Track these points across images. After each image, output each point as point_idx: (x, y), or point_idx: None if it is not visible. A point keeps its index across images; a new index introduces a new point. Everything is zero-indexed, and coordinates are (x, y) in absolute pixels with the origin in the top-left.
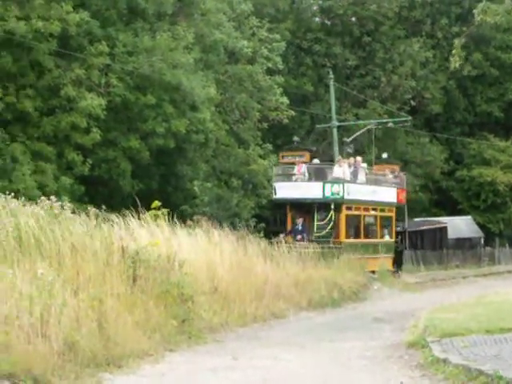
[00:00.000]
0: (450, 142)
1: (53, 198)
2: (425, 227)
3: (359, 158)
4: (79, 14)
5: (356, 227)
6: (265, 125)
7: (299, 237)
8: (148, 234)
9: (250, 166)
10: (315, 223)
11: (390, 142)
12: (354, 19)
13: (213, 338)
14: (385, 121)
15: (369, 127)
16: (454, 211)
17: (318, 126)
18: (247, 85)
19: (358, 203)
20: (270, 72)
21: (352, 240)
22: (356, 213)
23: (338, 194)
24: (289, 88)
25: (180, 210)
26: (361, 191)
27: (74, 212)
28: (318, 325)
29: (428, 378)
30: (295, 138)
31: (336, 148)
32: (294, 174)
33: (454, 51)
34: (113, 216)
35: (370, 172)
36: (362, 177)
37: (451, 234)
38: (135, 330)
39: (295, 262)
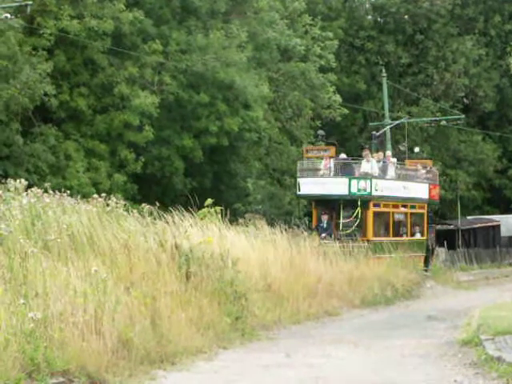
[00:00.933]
0: (503, 140)
1: (106, 195)
2: (478, 225)
3: (389, 153)
4: (133, 12)
5: (384, 225)
6: (317, 122)
7: (323, 235)
8: (201, 231)
9: None
10: (341, 221)
11: (443, 140)
12: (406, 17)
13: (266, 335)
14: (438, 119)
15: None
16: (507, 209)
17: (370, 123)
18: (300, 83)
19: (387, 200)
20: (323, 70)
21: (380, 238)
22: (384, 210)
23: (365, 191)
24: (341, 86)
25: (233, 207)
26: (390, 187)
27: (127, 210)
28: (370, 322)
29: (482, 377)
30: (319, 132)
31: (389, 145)
32: (319, 169)
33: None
34: (166, 214)
35: (401, 167)
36: (391, 172)
37: (504, 232)
38: (189, 328)
39: (348, 260)
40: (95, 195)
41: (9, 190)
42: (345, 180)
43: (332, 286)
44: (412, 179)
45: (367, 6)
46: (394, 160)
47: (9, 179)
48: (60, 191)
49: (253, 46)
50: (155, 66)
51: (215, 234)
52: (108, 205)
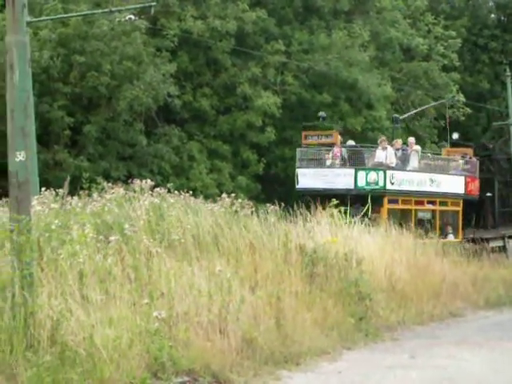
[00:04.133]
0: None
1: (230, 195)
2: None
3: (412, 140)
4: (256, 12)
5: (404, 224)
6: (441, 122)
7: None
8: (325, 231)
9: None
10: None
11: None
12: None
13: (390, 336)
14: None
15: None
16: None
17: (494, 123)
18: (423, 82)
19: (408, 195)
20: (446, 69)
21: None
22: (404, 207)
23: (377, 184)
24: (465, 85)
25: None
26: (412, 180)
27: (252, 210)
28: (495, 324)
29: None
30: (321, 114)
31: None
32: (324, 159)
33: None
34: (290, 214)
35: (432, 157)
36: (414, 162)
37: None
38: (313, 328)
39: (472, 261)
40: (222, 195)
41: (134, 191)
42: (350, 171)
43: (456, 286)
44: (443, 171)
45: (490, 4)
46: (418, 148)
47: (134, 179)
48: (184, 192)
49: (375, 46)
50: (278, 65)
51: (340, 233)
52: (233, 205)
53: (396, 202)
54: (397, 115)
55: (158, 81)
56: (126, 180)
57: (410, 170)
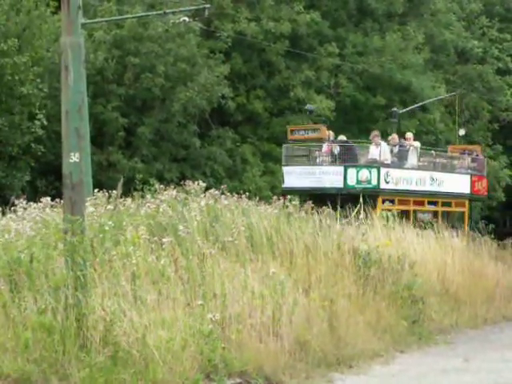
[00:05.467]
0: None
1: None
2: None
3: (409, 135)
4: (310, 14)
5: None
6: (495, 125)
7: None
8: (380, 234)
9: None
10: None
11: None
12: None
13: (443, 339)
14: None
15: None
16: None
17: None
18: (477, 85)
19: (405, 195)
20: (501, 72)
21: None
22: (401, 207)
23: (369, 183)
24: None
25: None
26: (410, 178)
27: (306, 212)
28: None
29: None
30: (308, 106)
31: None
32: (312, 156)
33: None
34: (343, 216)
35: (437, 154)
36: (412, 159)
37: None
38: (366, 331)
39: None
40: (274, 197)
41: (187, 192)
42: (339, 169)
43: (510, 290)
44: (446, 169)
45: None
46: (417, 144)
47: (187, 181)
48: (237, 194)
49: (429, 48)
50: (331, 68)
51: (393, 236)
52: (287, 207)
53: (392, 202)
54: (395, 109)
55: (212, 83)
56: (179, 182)
57: (407, 168)
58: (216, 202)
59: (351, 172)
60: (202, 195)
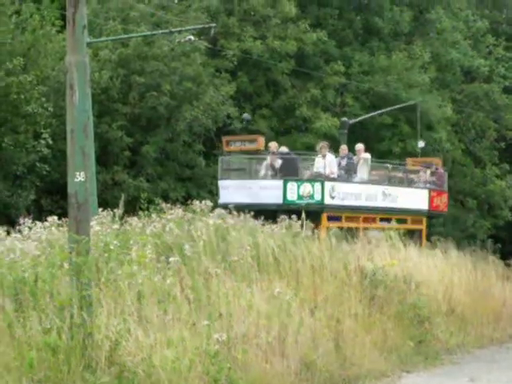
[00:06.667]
0: None
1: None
2: None
3: (360, 146)
4: (316, 33)
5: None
6: (502, 144)
7: None
8: (384, 254)
9: (487, 186)
10: None
11: None
12: None
13: (449, 359)
14: None
15: None
16: None
17: None
18: (483, 104)
19: (354, 211)
20: (507, 90)
21: None
22: (349, 225)
23: (312, 198)
24: None
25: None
26: (359, 193)
27: (312, 231)
28: None
29: None
30: (245, 116)
31: None
32: (247, 169)
33: None
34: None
35: (392, 168)
36: (362, 173)
37: None
38: (372, 351)
39: None
40: (281, 216)
41: (194, 211)
42: (278, 183)
43: None
44: (402, 183)
45: None
46: (367, 156)
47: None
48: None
49: (436, 67)
50: (337, 87)
51: (398, 255)
52: (291, 226)
53: (338, 219)
54: (346, 119)
55: (218, 102)
56: (185, 201)
57: (356, 182)
58: (223, 222)
59: (291, 186)
60: (210, 214)
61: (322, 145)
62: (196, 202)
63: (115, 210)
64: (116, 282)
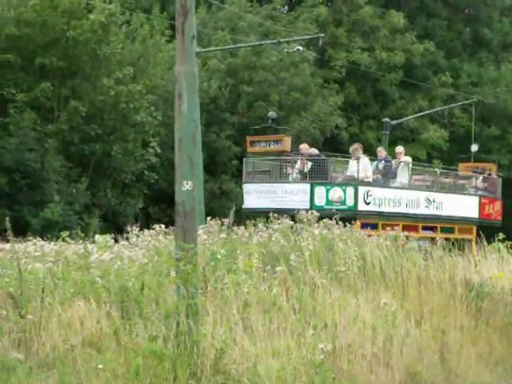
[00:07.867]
0: None
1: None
2: None
3: (400, 149)
4: (424, 44)
5: None
6: None
7: None
8: (493, 265)
9: None
10: None
11: None
12: None
13: None
14: None
15: None
16: None
17: None
18: None
19: (392, 218)
20: None
21: None
22: (386, 233)
23: (343, 203)
24: None
25: None
26: (399, 199)
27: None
28: None
29: None
30: (270, 114)
31: None
32: (271, 172)
33: None
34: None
35: (438, 172)
36: (403, 177)
37: None
38: (477, 363)
39: None
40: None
41: (301, 221)
42: (305, 187)
43: None
44: (450, 189)
45: None
46: (408, 159)
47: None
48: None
49: None
50: (445, 98)
51: (507, 267)
52: (397, 237)
53: (374, 226)
54: (387, 119)
55: (326, 112)
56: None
57: (395, 187)
58: (329, 231)
59: (319, 190)
60: (316, 225)
61: (356, 147)
62: (302, 212)
63: (223, 220)
64: (222, 290)
